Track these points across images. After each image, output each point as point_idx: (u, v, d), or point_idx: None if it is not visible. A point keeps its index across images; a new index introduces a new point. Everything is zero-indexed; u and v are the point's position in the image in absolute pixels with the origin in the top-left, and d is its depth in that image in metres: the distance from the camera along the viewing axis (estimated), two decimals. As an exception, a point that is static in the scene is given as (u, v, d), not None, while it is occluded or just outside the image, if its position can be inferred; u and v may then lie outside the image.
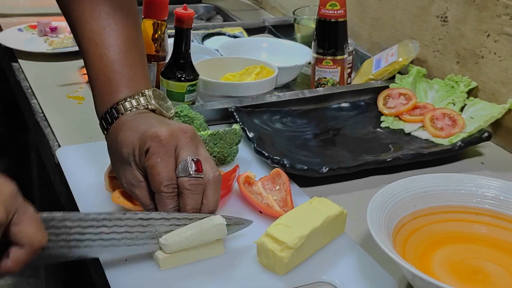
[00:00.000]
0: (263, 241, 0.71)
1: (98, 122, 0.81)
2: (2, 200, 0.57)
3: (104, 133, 0.80)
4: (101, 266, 0.71)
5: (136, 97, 0.78)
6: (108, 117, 0.78)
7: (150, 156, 0.71)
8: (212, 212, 0.73)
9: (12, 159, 2.39)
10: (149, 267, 0.71)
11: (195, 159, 0.71)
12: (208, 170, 0.73)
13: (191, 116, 0.92)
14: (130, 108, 0.77)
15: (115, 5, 0.82)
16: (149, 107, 0.78)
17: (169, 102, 0.83)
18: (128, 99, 0.78)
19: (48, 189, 1.52)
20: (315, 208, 0.76)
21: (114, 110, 0.78)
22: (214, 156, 0.90)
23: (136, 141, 0.72)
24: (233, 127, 0.91)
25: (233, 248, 0.75)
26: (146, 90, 0.79)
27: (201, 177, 0.71)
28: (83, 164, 0.91)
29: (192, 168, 0.71)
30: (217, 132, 0.89)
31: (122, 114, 0.77)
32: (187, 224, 0.71)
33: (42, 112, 1.10)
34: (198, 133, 0.88)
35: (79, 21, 0.82)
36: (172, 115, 0.81)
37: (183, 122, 0.92)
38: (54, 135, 1.02)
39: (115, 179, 0.78)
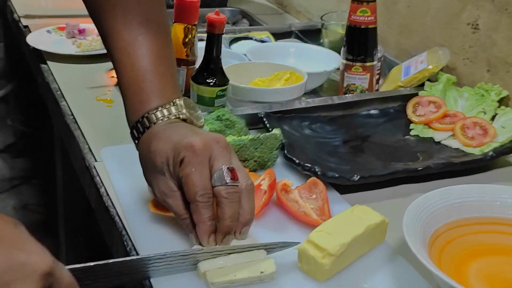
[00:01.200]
0: (305, 247, 0.71)
1: (129, 128, 0.81)
2: (37, 280, 0.54)
3: (135, 142, 0.80)
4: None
5: (168, 106, 0.78)
6: (140, 126, 0.78)
7: (184, 166, 0.71)
8: (249, 221, 0.73)
9: (36, 158, 2.41)
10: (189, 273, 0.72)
11: (230, 168, 0.71)
12: (242, 179, 0.73)
13: (232, 120, 0.92)
14: (161, 118, 0.77)
15: (147, 16, 0.83)
16: (180, 116, 0.78)
17: (199, 111, 0.83)
18: (160, 109, 0.78)
19: (75, 191, 1.54)
20: (356, 216, 0.76)
21: (145, 119, 0.78)
22: (255, 161, 0.90)
23: (170, 151, 0.72)
24: (273, 131, 0.91)
25: (274, 254, 0.75)
26: (177, 100, 0.80)
27: (237, 185, 0.71)
28: (127, 164, 0.91)
29: (228, 176, 0.71)
30: (258, 137, 0.90)
31: (153, 123, 0.77)
32: (229, 253, 0.71)
33: (72, 114, 1.10)
34: (239, 137, 0.88)
35: (111, 31, 0.83)
36: (202, 124, 0.81)
37: (225, 125, 0.93)
38: (84, 137, 1.02)
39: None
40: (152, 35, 0.82)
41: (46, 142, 1.84)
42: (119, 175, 0.90)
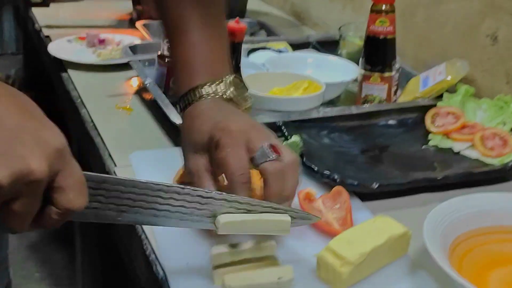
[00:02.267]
0: (323, 254, 0.71)
1: (179, 109, 0.81)
2: (46, 154, 0.51)
3: (180, 114, 0.80)
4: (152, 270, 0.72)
5: (215, 83, 0.78)
6: (185, 100, 0.79)
7: (220, 148, 0.71)
8: (291, 197, 0.72)
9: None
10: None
11: (272, 143, 0.70)
12: (285, 152, 0.71)
13: None
14: (206, 95, 0.77)
15: None
16: (225, 96, 0.78)
17: (247, 92, 0.81)
18: (207, 84, 0.77)
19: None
20: (378, 226, 0.75)
21: (191, 94, 0.78)
22: None
23: (207, 133, 0.73)
24: (292, 139, 0.92)
25: (291, 260, 0.75)
26: (226, 77, 0.78)
27: (282, 159, 0.70)
28: (154, 168, 0.93)
29: (271, 152, 0.70)
30: None
31: (198, 99, 0.77)
32: (248, 210, 0.67)
33: (92, 121, 1.12)
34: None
35: (166, 4, 0.83)
36: (249, 106, 0.80)
37: None
38: (104, 144, 1.03)
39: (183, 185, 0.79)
40: (205, 11, 0.82)
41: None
42: (146, 178, 0.90)
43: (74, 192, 0.54)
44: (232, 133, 0.71)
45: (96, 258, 1.65)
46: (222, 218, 0.67)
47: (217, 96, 0.77)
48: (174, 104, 1.08)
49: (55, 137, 0.53)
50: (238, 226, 0.67)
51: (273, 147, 0.70)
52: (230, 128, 0.71)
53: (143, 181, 0.63)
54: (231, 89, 0.78)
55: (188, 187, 0.66)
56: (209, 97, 0.77)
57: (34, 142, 0.51)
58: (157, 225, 0.66)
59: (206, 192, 0.66)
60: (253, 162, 0.70)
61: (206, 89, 0.77)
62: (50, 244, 2.11)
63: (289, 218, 0.69)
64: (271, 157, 0.69)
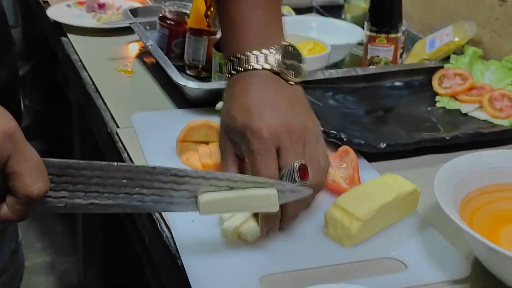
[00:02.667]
0: (332, 211, 0.70)
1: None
2: None
3: (227, 77, 0.74)
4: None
5: (266, 51, 0.71)
6: (231, 65, 0.73)
7: (250, 152, 0.68)
8: (295, 217, 0.72)
9: (53, 140, 2.42)
10: (216, 227, 0.71)
11: (301, 165, 0.67)
12: (313, 175, 0.68)
13: None
14: (253, 64, 0.71)
15: None
16: (274, 69, 0.71)
17: (303, 64, 0.76)
18: (254, 52, 0.71)
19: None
20: (387, 183, 0.74)
21: (239, 61, 0.72)
22: None
23: (240, 125, 0.69)
24: None
25: (300, 218, 0.74)
26: (276, 45, 0.72)
27: (307, 185, 0.68)
28: (156, 129, 0.91)
29: (298, 176, 0.67)
30: None
31: (244, 70, 0.71)
32: (230, 187, 0.63)
33: (93, 83, 1.10)
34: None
35: None
36: (301, 79, 0.74)
37: None
38: (106, 105, 1.01)
39: (186, 144, 0.78)
40: None
41: (64, 122, 1.84)
42: (148, 139, 0.90)
43: (31, 177, 0.52)
44: (262, 139, 0.67)
45: (97, 226, 1.64)
46: (203, 198, 0.62)
47: (267, 67, 0.71)
48: (176, 66, 1.06)
49: (3, 121, 0.50)
50: (221, 205, 0.63)
51: (302, 171, 0.67)
52: (262, 133, 0.67)
53: (111, 163, 0.58)
54: (282, 59, 0.72)
55: (160, 165, 0.60)
56: (256, 65, 0.71)
57: None
58: (132, 211, 0.61)
59: (181, 170, 0.61)
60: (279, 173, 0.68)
61: (254, 58, 0.71)
62: (50, 214, 2.10)
63: (275, 192, 0.65)
64: (296, 180, 0.67)
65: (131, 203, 0.60)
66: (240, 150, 0.70)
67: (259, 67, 0.71)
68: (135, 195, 0.59)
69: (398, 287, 0.65)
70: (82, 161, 0.57)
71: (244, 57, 0.72)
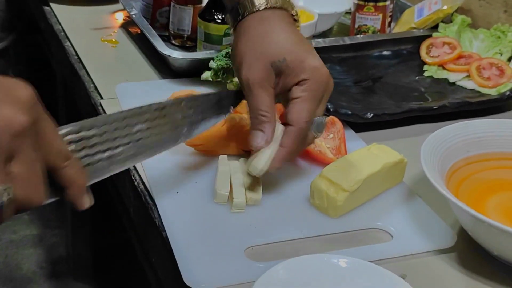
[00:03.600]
0: (318, 182, 0.69)
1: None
2: (22, 104, 0.49)
3: (238, 19, 0.74)
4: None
5: None
6: (241, 8, 0.73)
7: (304, 88, 0.69)
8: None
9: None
10: (200, 198, 0.71)
11: (327, 121, 0.74)
12: None
13: None
14: (260, 4, 0.72)
15: None
16: (278, 4, 0.73)
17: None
18: None
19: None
20: (374, 154, 0.73)
21: (244, 4, 0.73)
22: None
23: (290, 52, 0.69)
24: None
25: (285, 189, 0.74)
26: None
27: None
28: (141, 99, 0.88)
29: (322, 129, 0.72)
30: None
31: (251, 10, 0.72)
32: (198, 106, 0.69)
33: (77, 54, 1.08)
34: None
35: None
36: (296, 14, 0.76)
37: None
38: (90, 76, 1.00)
39: None
40: None
41: (49, 94, 1.82)
42: None
43: (59, 141, 0.53)
44: (322, 82, 0.70)
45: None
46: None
47: (272, 2, 0.72)
48: (161, 36, 1.05)
49: (23, 89, 0.51)
50: None
51: (326, 125, 0.74)
52: (323, 75, 0.70)
53: (109, 114, 0.60)
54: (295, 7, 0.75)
55: (142, 106, 0.64)
56: (278, 5, 0.72)
57: (5, 98, 0.49)
58: (145, 158, 0.65)
59: (159, 103, 0.65)
60: None
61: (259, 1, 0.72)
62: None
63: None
64: (318, 134, 0.72)
65: (140, 150, 0.63)
66: (285, 81, 0.70)
67: (264, 7, 0.72)
68: (139, 140, 0.63)
69: (384, 257, 0.65)
70: (87, 120, 0.58)
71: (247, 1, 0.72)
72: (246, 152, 0.78)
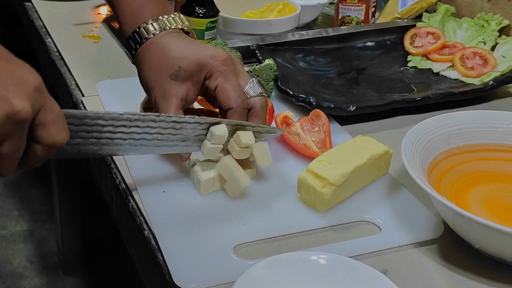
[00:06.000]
0: (304, 176, 0.69)
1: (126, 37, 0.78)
2: (27, 93, 0.52)
3: (135, 47, 0.77)
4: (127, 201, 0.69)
5: (172, 16, 0.77)
6: (144, 31, 0.76)
7: (216, 76, 0.72)
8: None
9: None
10: (187, 196, 0.71)
11: (258, 79, 0.75)
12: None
13: None
14: (169, 25, 0.76)
15: None
16: (186, 28, 0.77)
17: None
18: (165, 17, 0.76)
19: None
20: (359, 146, 0.73)
21: (151, 25, 0.76)
22: None
23: (193, 61, 0.72)
24: (266, 62, 0.88)
25: (273, 184, 0.74)
26: (175, 12, 0.78)
27: (264, 95, 0.75)
28: (122, 97, 0.90)
29: (260, 87, 0.74)
30: (254, 68, 0.87)
31: (162, 30, 0.76)
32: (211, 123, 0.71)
33: (58, 51, 1.07)
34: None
35: None
36: (187, 27, 0.79)
37: None
38: (71, 73, 0.99)
39: (149, 110, 0.77)
40: None
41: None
42: (114, 107, 0.88)
43: (56, 127, 0.55)
44: (225, 61, 0.72)
45: (73, 192, 1.63)
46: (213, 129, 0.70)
47: (179, 26, 0.77)
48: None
49: (31, 75, 0.53)
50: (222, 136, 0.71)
51: (260, 84, 0.75)
52: (222, 56, 0.73)
53: (121, 112, 0.65)
54: (186, 22, 0.78)
55: (163, 114, 0.69)
56: (172, 28, 0.76)
57: (14, 83, 0.52)
58: (136, 153, 0.69)
59: (179, 117, 0.69)
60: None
61: (165, 21, 0.76)
62: (27, 181, 2.08)
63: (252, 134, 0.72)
64: (261, 91, 0.74)
65: (135, 148, 0.68)
66: (192, 85, 0.73)
67: (173, 26, 0.76)
68: (140, 140, 0.67)
69: (372, 250, 0.65)
70: (96, 111, 0.64)
71: (157, 21, 0.76)
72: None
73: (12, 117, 0.51)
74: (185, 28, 0.77)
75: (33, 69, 0.55)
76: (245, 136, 0.70)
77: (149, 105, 0.78)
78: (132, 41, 0.77)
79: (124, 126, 0.66)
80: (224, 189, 0.72)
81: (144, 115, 0.67)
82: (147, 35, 0.75)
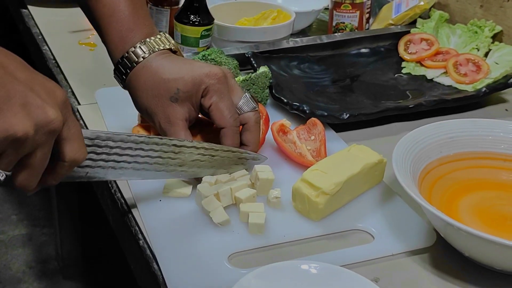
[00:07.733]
0: (299, 186, 0.70)
1: (115, 66, 0.79)
2: (58, 104, 0.53)
3: (126, 72, 0.77)
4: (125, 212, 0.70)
5: (158, 37, 0.77)
6: (133, 56, 0.76)
7: (211, 94, 0.73)
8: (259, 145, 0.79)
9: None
10: (183, 205, 0.72)
11: (251, 94, 0.76)
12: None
13: (218, 60, 0.90)
14: (157, 46, 0.76)
15: None
16: (173, 48, 0.78)
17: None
18: (152, 38, 0.77)
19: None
20: (353, 155, 0.74)
21: (139, 49, 0.76)
22: None
23: (189, 79, 0.73)
24: (261, 70, 0.89)
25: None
26: (161, 32, 0.79)
27: (258, 110, 0.76)
28: (120, 105, 0.90)
29: (254, 102, 0.75)
30: (249, 77, 0.88)
31: (152, 52, 0.76)
32: (212, 155, 0.72)
33: (54, 58, 1.07)
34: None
35: None
36: (174, 46, 0.80)
37: None
38: (67, 81, 0.99)
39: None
40: None
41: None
42: (112, 115, 0.89)
43: (77, 143, 0.57)
44: (220, 79, 0.73)
45: (71, 197, 1.63)
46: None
47: (167, 47, 0.77)
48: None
49: (58, 88, 0.55)
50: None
51: (254, 99, 0.76)
52: (216, 74, 0.73)
53: (130, 134, 0.66)
54: (173, 41, 0.78)
55: (166, 138, 0.69)
56: (160, 49, 0.76)
57: (46, 93, 0.53)
58: (138, 178, 0.70)
59: (179, 140, 0.70)
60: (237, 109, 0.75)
61: (154, 42, 0.76)
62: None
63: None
64: (254, 106, 0.75)
65: (138, 172, 0.68)
66: (192, 105, 0.74)
67: (161, 47, 0.76)
68: (142, 164, 0.68)
69: (365, 259, 0.66)
70: (106, 131, 0.65)
71: (144, 45, 0.76)
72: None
73: (46, 126, 0.52)
74: (172, 48, 0.78)
75: (58, 86, 0.56)
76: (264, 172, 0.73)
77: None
78: (122, 66, 0.77)
79: (131, 148, 0.67)
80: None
81: (149, 137, 0.68)
82: (137, 59, 0.76)
